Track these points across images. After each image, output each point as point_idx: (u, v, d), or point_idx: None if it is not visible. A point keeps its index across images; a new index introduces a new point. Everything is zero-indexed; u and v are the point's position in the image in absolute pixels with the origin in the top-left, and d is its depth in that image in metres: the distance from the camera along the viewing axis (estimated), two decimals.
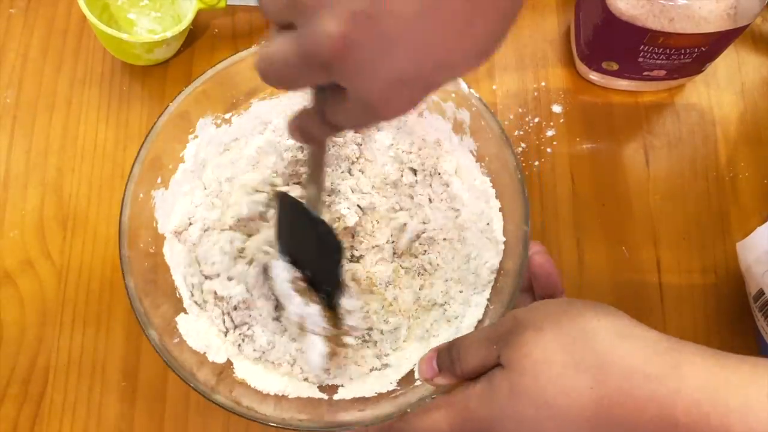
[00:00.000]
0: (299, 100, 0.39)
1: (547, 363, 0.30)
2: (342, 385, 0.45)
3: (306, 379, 0.45)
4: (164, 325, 0.42)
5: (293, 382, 0.45)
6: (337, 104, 0.27)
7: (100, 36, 0.54)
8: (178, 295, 0.45)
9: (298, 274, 0.42)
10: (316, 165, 0.37)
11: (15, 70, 0.57)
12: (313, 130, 0.30)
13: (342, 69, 0.24)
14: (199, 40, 0.59)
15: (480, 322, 0.45)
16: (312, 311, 0.42)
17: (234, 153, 0.49)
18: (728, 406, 0.27)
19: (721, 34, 0.49)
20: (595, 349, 0.29)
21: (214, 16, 0.59)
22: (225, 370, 0.44)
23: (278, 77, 0.26)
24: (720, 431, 0.27)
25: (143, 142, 0.43)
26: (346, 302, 0.43)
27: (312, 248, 0.41)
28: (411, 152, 0.50)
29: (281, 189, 0.48)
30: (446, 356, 0.36)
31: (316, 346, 0.42)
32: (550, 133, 0.56)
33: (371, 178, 0.50)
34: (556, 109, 0.57)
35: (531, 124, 0.57)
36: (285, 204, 0.42)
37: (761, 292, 0.47)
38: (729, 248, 0.53)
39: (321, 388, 0.45)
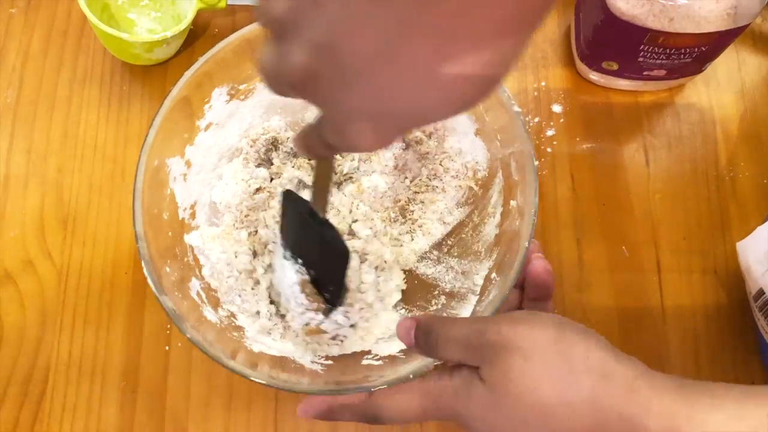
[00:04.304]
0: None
1: (531, 392, 0.32)
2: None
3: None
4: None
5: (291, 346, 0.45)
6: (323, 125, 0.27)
7: (100, 36, 0.54)
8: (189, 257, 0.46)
9: (307, 277, 0.42)
10: (321, 176, 0.38)
11: (15, 69, 0.57)
12: (315, 148, 0.30)
13: (308, 96, 0.25)
14: (199, 40, 0.59)
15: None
16: (315, 315, 0.42)
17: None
18: None
19: (721, 34, 0.49)
20: (581, 387, 0.31)
21: (214, 16, 0.59)
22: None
23: (269, 85, 0.27)
24: None
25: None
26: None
27: (317, 249, 0.41)
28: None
29: (287, 187, 0.48)
30: (424, 338, 0.36)
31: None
32: (550, 132, 0.56)
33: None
34: (556, 108, 0.57)
35: (531, 124, 0.57)
36: (290, 202, 0.41)
37: (761, 292, 0.47)
38: (729, 248, 0.53)
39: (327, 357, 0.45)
